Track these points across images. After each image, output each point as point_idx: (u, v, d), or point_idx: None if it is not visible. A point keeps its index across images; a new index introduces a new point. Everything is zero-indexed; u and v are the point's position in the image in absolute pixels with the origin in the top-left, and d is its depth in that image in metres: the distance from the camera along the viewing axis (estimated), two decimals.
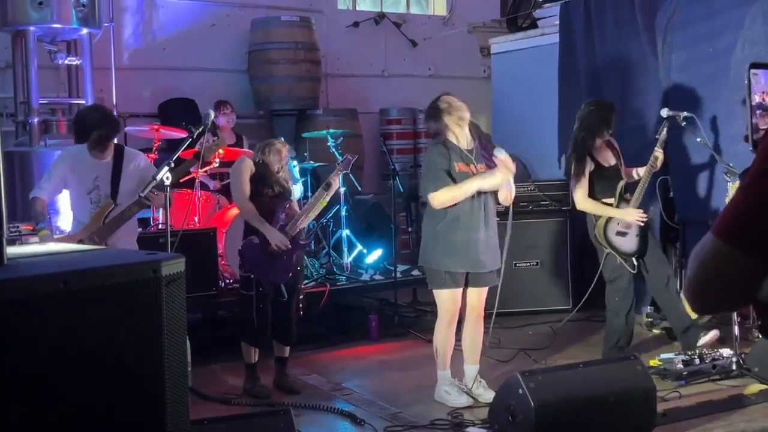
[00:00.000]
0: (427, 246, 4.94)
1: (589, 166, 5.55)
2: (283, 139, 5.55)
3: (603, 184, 5.59)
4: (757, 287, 1.29)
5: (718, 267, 1.30)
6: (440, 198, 4.76)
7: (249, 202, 5.18)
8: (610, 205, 5.56)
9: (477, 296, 5.02)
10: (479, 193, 4.82)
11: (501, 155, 4.79)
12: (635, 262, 5.56)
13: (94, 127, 4.86)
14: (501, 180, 4.77)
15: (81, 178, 4.93)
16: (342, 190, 7.13)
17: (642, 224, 5.56)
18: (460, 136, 4.89)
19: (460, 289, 4.94)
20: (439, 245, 4.85)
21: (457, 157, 4.83)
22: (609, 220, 5.56)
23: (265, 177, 5.21)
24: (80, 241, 4.65)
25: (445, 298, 4.93)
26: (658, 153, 5.53)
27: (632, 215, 5.51)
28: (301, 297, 5.44)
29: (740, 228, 1.28)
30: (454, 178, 4.78)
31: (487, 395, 4.84)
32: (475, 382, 5.03)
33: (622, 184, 5.61)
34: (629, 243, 5.56)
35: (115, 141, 5.15)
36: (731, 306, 1.44)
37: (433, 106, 4.93)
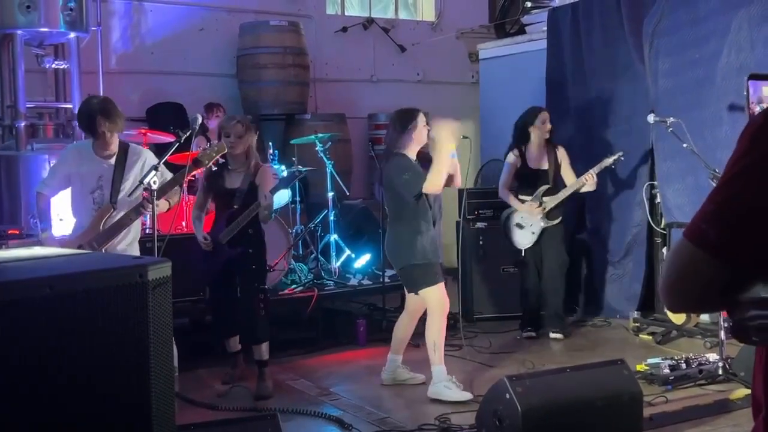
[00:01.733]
0: (408, 246, 5.07)
1: (515, 162, 6.48)
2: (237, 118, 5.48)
3: (526, 182, 6.48)
4: (724, 289, 1.31)
5: (685, 268, 1.34)
6: (436, 183, 4.93)
7: (196, 208, 5.46)
8: (522, 201, 6.45)
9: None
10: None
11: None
12: (523, 254, 6.51)
13: (98, 112, 4.70)
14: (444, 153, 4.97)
15: (85, 176, 4.81)
16: (330, 195, 7.13)
17: (544, 225, 6.41)
18: (415, 152, 5.13)
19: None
20: (421, 241, 5.04)
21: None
22: (515, 211, 6.47)
23: (212, 182, 5.37)
24: (80, 247, 4.56)
25: (437, 292, 5.06)
26: (590, 177, 6.31)
27: (527, 210, 6.39)
28: (261, 297, 5.36)
29: (710, 231, 1.31)
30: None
31: (412, 380, 5.38)
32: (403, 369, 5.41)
33: (543, 188, 6.44)
34: (523, 236, 6.48)
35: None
36: (700, 307, 1.47)
37: (409, 118, 5.10)
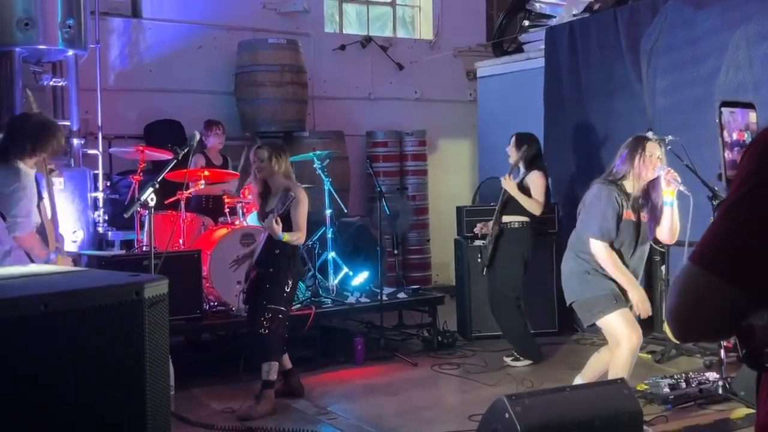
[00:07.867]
0: (579, 277, 4.67)
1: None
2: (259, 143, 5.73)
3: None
4: (738, 316, 1.25)
5: (700, 296, 1.26)
6: (603, 254, 4.51)
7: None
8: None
9: None
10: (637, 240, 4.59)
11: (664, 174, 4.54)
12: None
13: None
14: (638, 297, 4.52)
15: None
16: (328, 212, 7.11)
17: None
18: (636, 186, 4.59)
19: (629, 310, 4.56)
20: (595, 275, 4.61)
21: (627, 204, 4.55)
22: None
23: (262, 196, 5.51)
24: None
25: (621, 321, 4.55)
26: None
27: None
28: (267, 315, 5.30)
29: (723, 255, 1.25)
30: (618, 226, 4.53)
31: None
32: None
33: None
34: None
35: None
36: (714, 336, 1.38)
37: (637, 144, 4.57)
